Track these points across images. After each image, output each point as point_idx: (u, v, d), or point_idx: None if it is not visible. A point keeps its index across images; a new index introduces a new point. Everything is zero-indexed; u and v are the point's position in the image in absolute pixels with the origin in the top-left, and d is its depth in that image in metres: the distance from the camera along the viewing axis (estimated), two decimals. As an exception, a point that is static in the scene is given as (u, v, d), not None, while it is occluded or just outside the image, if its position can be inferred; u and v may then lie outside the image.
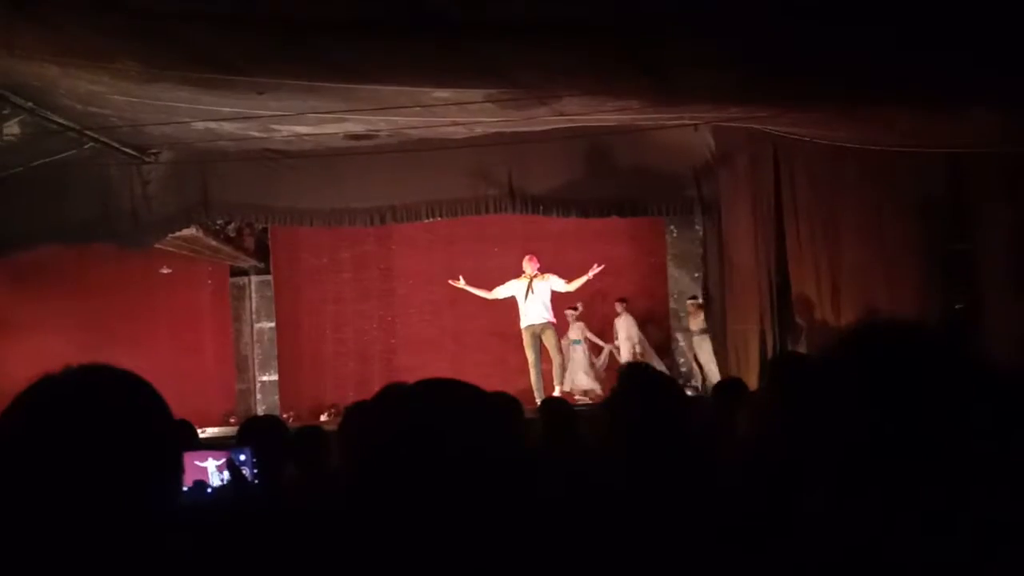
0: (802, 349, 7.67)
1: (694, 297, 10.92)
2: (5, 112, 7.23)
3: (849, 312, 7.22)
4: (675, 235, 11.67)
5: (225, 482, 3.10)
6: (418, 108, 7.18)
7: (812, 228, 7.88)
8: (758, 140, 8.23)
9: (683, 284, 11.49)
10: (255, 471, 3.10)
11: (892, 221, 7.19)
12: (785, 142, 7.94)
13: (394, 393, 1.28)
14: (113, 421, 1.08)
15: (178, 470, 1.13)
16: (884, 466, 1.05)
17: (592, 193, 9.76)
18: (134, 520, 1.05)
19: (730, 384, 4.72)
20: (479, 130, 8.72)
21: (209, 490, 2.96)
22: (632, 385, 2.43)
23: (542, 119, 7.98)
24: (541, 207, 9.98)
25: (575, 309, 11.12)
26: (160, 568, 1.06)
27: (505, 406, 1.34)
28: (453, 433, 1.17)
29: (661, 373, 2.71)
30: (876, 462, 1.06)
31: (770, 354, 7.96)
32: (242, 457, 3.14)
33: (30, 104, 7.15)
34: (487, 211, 10.19)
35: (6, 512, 1.06)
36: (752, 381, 7.15)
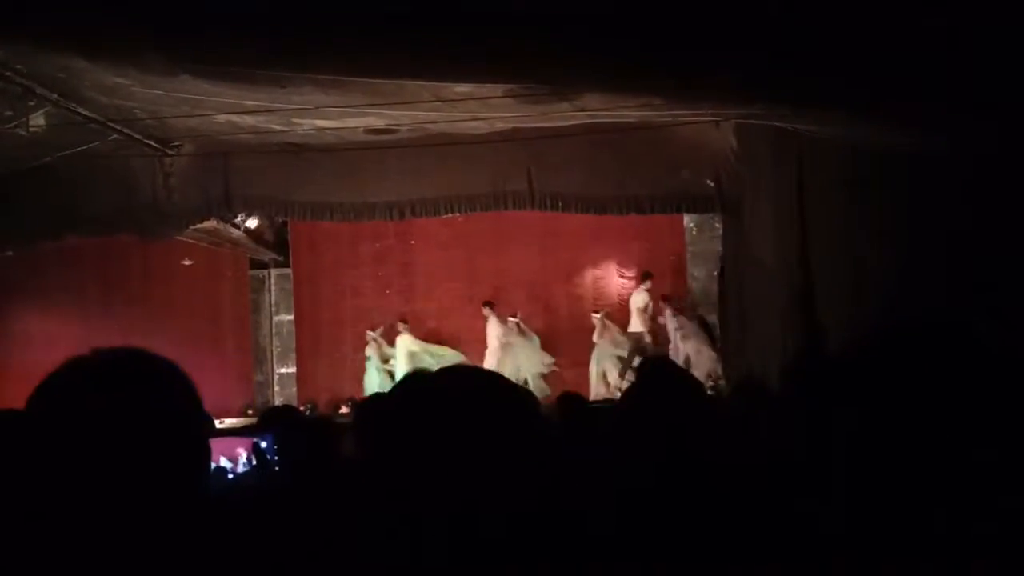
0: (824, 350, 7.63)
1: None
2: (31, 104, 7.30)
3: (872, 313, 7.17)
4: (695, 233, 11.64)
5: (244, 469, 3.13)
6: (438, 103, 7.19)
7: (835, 227, 7.83)
8: (781, 138, 8.17)
9: (703, 282, 11.46)
10: (274, 458, 3.13)
11: (918, 220, 7.13)
12: (809, 140, 7.89)
13: (417, 380, 1.28)
14: (144, 402, 1.09)
15: (207, 453, 1.14)
16: (904, 469, 1.05)
17: (611, 190, 9.75)
18: (165, 502, 1.06)
19: (750, 385, 4.70)
20: (499, 125, 8.71)
21: (230, 476, 2.99)
22: (650, 381, 2.42)
23: (562, 115, 7.97)
24: (560, 204, 9.98)
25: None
26: (193, 548, 1.07)
27: (525, 395, 1.35)
28: (475, 419, 1.18)
29: (681, 369, 2.70)
30: (895, 465, 1.05)
31: (791, 354, 7.92)
32: (263, 445, 3.18)
33: (56, 96, 7.23)
34: (506, 207, 10.20)
35: (37, 493, 1.08)
36: (773, 381, 7.11)
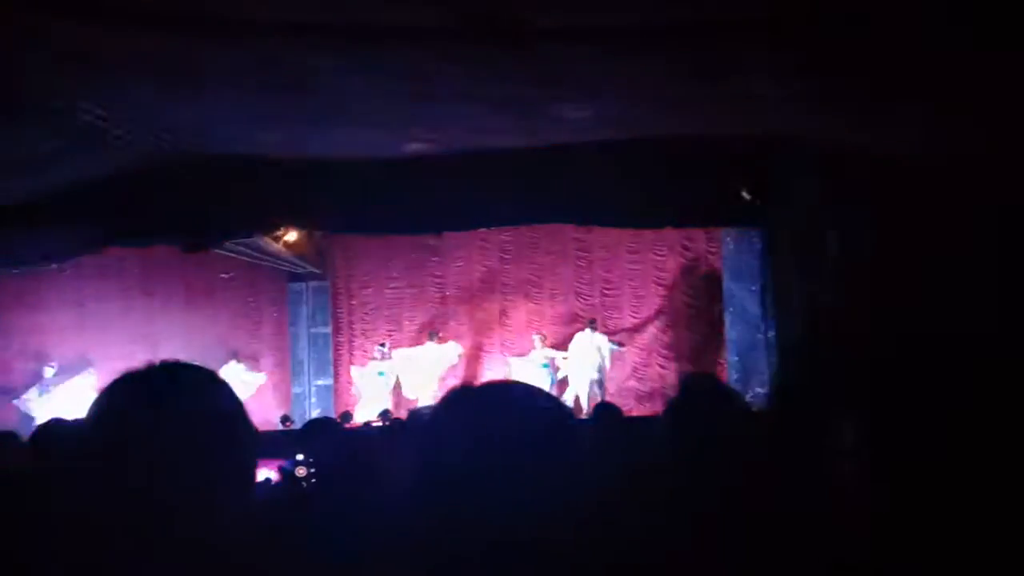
0: (847, 354, 7.55)
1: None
2: (78, 118, 7.43)
3: (905, 326, 7.07)
4: (731, 247, 11.53)
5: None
6: (473, 117, 7.24)
7: (870, 241, 7.77)
8: (819, 152, 8.13)
9: (740, 297, 11.34)
10: (312, 471, 3.17)
11: (951, 233, 7.04)
12: (845, 154, 7.84)
13: (461, 396, 1.29)
14: (194, 413, 1.12)
15: (253, 463, 1.17)
16: (941, 479, 1.05)
17: (647, 204, 9.70)
18: (215, 511, 1.09)
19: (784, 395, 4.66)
20: (531, 139, 8.73)
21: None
22: (692, 395, 2.42)
23: (597, 128, 7.98)
24: (595, 218, 9.95)
25: None
26: (239, 557, 1.10)
27: (563, 408, 1.36)
28: (519, 435, 1.18)
29: (723, 383, 2.69)
30: (928, 472, 1.05)
31: (817, 361, 7.85)
32: (300, 458, 3.21)
33: (101, 111, 7.37)
34: (540, 221, 10.20)
35: (91, 503, 1.10)
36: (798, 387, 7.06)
